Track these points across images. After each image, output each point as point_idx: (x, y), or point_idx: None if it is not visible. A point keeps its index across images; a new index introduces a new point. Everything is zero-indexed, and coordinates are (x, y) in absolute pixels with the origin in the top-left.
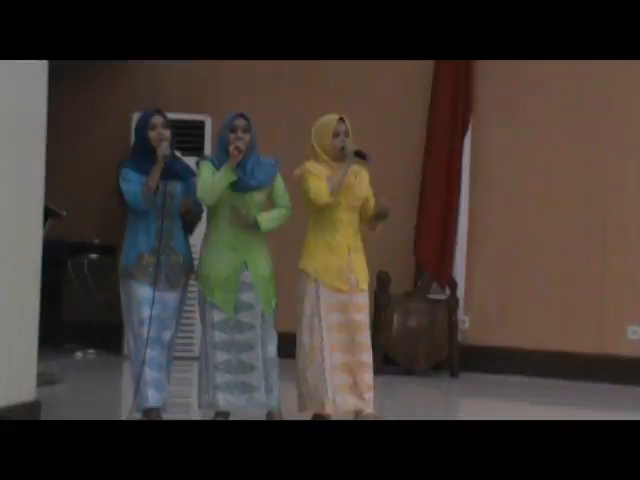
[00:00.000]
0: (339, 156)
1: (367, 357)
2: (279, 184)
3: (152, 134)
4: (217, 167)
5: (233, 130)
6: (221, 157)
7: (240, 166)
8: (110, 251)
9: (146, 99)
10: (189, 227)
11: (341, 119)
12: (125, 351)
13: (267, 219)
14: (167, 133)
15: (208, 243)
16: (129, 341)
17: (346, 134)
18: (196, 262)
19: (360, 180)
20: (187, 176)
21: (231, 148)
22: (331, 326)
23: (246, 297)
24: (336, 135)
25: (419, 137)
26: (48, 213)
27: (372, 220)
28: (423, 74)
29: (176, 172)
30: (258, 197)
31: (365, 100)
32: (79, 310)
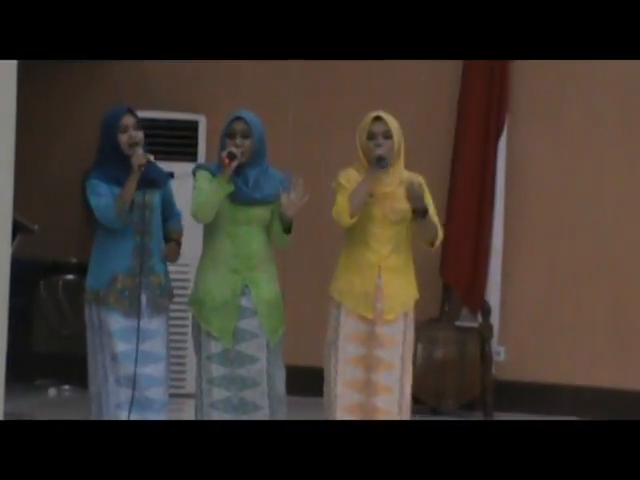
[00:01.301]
0: (376, 168)
1: (383, 402)
2: None
3: (123, 137)
4: (216, 177)
5: (231, 136)
6: (221, 166)
7: (240, 175)
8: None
9: (129, 96)
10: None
11: (378, 118)
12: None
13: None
14: (140, 135)
15: (203, 263)
16: (94, 384)
17: (385, 136)
18: (180, 284)
19: (404, 191)
20: (163, 182)
21: (223, 154)
22: (348, 360)
23: (248, 325)
24: (371, 137)
25: (446, 141)
26: (17, 228)
27: (414, 221)
28: (451, 71)
29: (151, 179)
30: (261, 213)
31: (384, 100)
32: (52, 340)
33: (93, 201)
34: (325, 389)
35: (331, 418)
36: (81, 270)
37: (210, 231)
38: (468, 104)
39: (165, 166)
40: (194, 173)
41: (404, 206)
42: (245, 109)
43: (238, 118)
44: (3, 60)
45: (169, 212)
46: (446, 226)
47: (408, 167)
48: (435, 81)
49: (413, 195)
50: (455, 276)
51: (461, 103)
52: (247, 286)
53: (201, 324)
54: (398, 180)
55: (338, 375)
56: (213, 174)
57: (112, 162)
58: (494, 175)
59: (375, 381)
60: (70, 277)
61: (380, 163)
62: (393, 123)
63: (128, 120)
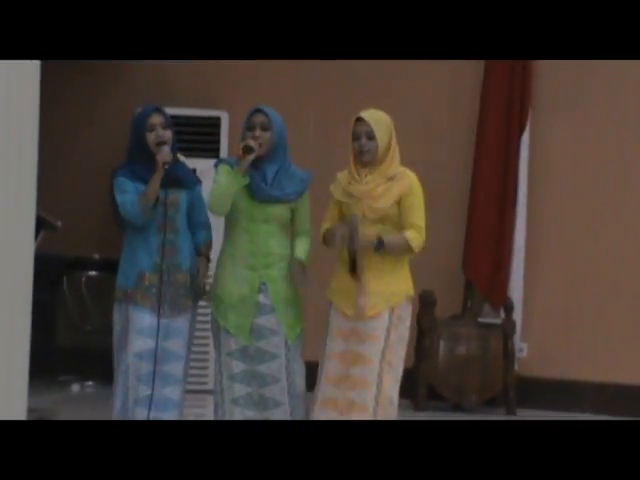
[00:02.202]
0: (360, 162)
1: (358, 396)
2: (304, 204)
3: (150, 136)
4: None
5: (250, 128)
6: (239, 159)
7: (259, 170)
8: (111, 267)
9: (152, 93)
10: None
11: (359, 118)
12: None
13: (305, 254)
14: (168, 134)
15: (222, 259)
16: (119, 380)
17: (368, 136)
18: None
19: (387, 189)
20: (191, 184)
21: (241, 146)
22: (331, 355)
23: (266, 322)
24: (355, 138)
25: (468, 138)
26: (41, 224)
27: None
28: (472, 68)
29: (179, 178)
30: (280, 211)
31: (406, 98)
32: (76, 336)
33: (119, 198)
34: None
35: (312, 412)
36: (104, 266)
37: (229, 228)
38: (490, 101)
39: (188, 162)
40: (216, 166)
41: (383, 204)
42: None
43: (258, 110)
44: (27, 60)
45: (196, 217)
46: (468, 223)
47: (430, 165)
48: (456, 79)
49: (347, 242)
50: (477, 272)
51: (483, 100)
52: (264, 283)
53: (219, 320)
54: (384, 178)
55: (322, 370)
56: (233, 167)
57: (139, 160)
58: (517, 171)
59: (352, 375)
60: (93, 273)
61: (360, 156)
62: (379, 122)
63: (156, 119)
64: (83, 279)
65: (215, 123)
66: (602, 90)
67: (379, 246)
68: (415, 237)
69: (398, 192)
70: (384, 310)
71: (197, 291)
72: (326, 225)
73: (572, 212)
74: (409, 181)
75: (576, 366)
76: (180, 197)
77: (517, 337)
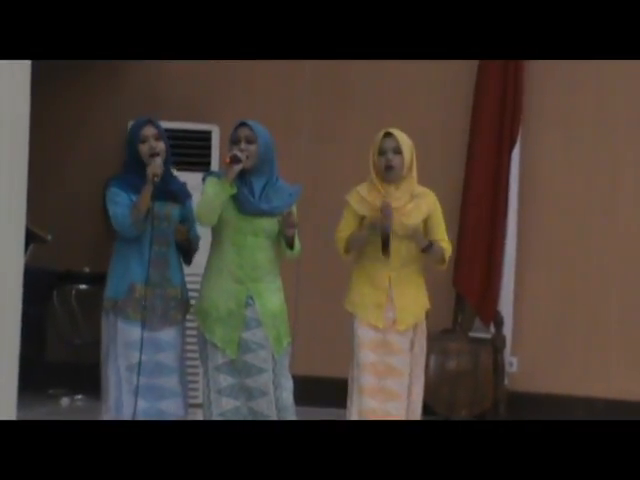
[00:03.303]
0: (386, 177)
1: (395, 408)
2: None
3: (143, 148)
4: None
5: (235, 141)
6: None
7: (247, 184)
8: (102, 281)
9: (144, 106)
10: (186, 256)
11: (388, 134)
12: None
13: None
14: (161, 146)
15: (209, 272)
16: (108, 392)
17: (395, 151)
18: (194, 295)
19: (416, 206)
20: (184, 198)
21: (228, 156)
22: (364, 365)
23: (253, 336)
24: (382, 153)
25: (459, 152)
26: (31, 237)
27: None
28: (464, 83)
29: (173, 192)
30: (268, 225)
31: (397, 113)
32: (65, 349)
33: (111, 209)
34: (348, 400)
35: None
36: (94, 280)
37: (216, 241)
38: (481, 116)
39: (179, 176)
40: (204, 180)
41: (414, 221)
42: (254, 119)
43: (242, 124)
44: (17, 67)
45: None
46: (459, 237)
47: (420, 177)
48: (447, 94)
49: (415, 237)
50: (468, 287)
51: (474, 115)
52: (251, 297)
53: (205, 334)
54: (409, 195)
55: (354, 381)
56: (220, 179)
57: (133, 171)
58: (507, 186)
59: (386, 387)
60: (83, 287)
61: (385, 240)
62: (404, 139)
63: (148, 131)
64: (73, 292)
65: (206, 137)
66: (592, 105)
67: (428, 247)
68: (448, 250)
69: (426, 209)
70: (411, 325)
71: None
72: (343, 234)
73: (562, 226)
74: (433, 198)
75: (567, 381)
76: (173, 211)
77: (507, 352)
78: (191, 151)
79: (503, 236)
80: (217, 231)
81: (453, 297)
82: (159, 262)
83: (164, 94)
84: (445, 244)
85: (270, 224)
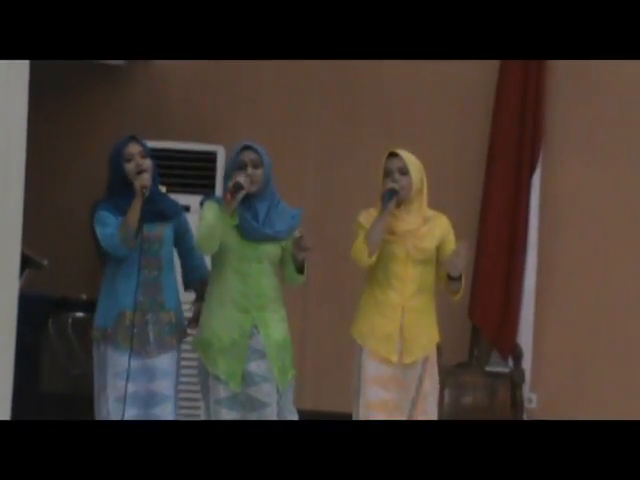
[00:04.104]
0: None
1: None
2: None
3: (129, 166)
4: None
5: (241, 166)
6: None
7: (250, 209)
8: None
9: (145, 127)
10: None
11: (393, 154)
12: None
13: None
14: (147, 163)
15: (210, 300)
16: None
17: (401, 172)
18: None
19: (430, 229)
20: (175, 213)
21: (229, 185)
22: (370, 404)
23: (257, 368)
24: (387, 174)
25: (476, 177)
26: (26, 262)
27: (446, 280)
28: (482, 102)
29: (162, 212)
30: (272, 250)
31: (410, 137)
32: (62, 380)
33: (99, 231)
34: None
35: None
36: (92, 307)
37: (218, 268)
38: (499, 139)
39: (182, 199)
40: (201, 204)
41: (428, 245)
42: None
43: (246, 147)
44: (15, 96)
45: (187, 243)
46: (476, 264)
47: (436, 203)
48: (463, 114)
49: (453, 264)
50: (485, 318)
51: (492, 135)
52: (256, 327)
53: (207, 367)
54: (422, 218)
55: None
56: (220, 204)
57: (120, 192)
58: (527, 212)
59: None
60: (80, 314)
61: (389, 195)
62: (411, 159)
63: (133, 148)
64: (70, 320)
65: (211, 158)
66: (617, 126)
67: (460, 276)
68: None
69: (440, 233)
70: (419, 358)
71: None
72: (360, 245)
73: (586, 255)
74: (446, 221)
75: (588, 417)
76: (164, 231)
77: (526, 387)
78: (195, 172)
79: (522, 265)
80: (218, 258)
81: (469, 328)
82: (150, 286)
83: (167, 113)
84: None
85: (274, 249)
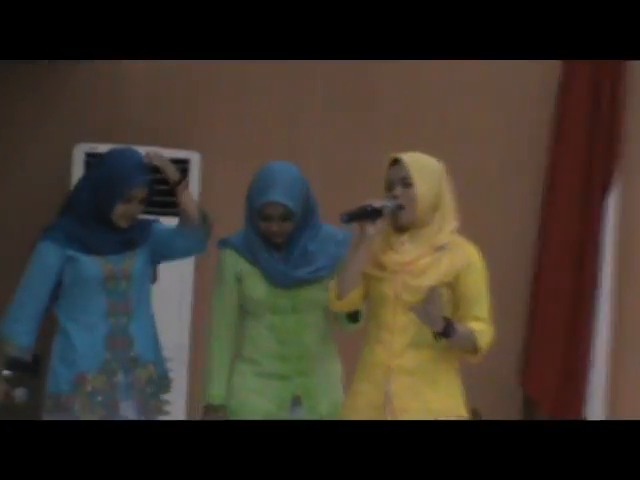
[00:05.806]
0: (396, 223)
1: None
2: None
3: (121, 208)
4: (245, 257)
5: (266, 218)
6: (251, 239)
7: (282, 251)
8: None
9: (111, 129)
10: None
11: (395, 160)
12: None
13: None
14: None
15: (240, 365)
16: None
17: (404, 183)
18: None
19: (435, 261)
20: (146, 237)
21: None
22: None
23: None
24: (389, 186)
25: (531, 198)
26: None
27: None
28: (542, 107)
29: (128, 239)
30: (314, 294)
31: (441, 132)
32: None
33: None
34: None
35: None
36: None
37: (249, 323)
38: (562, 155)
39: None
40: (220, 248)
41: (425, 282)
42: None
43: (272, 202)
44: None
45: (168, 235)
46: (530, 319)
47: (474, 232)
48: (515, 126)
49: (424, 312)
50: (541, 388)
51: (553, 154)
52: (299, 396)
53: None
54: (429, 248)
55: None
56: (242, 254)
57: (80, 218)
58: (598, 249)
59: None
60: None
61: (343, 217)
62: (418, 165)
63: (141, 193)
64: None
65: (183, 167)
66: None
67: (447, 331)
68: (484, 332)
69: (450, 268)
70: None
71: None
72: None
73: None
74: (467, 253)
75: None
76: (133, 265)
77: None
78: (165, 186)
79: (591, 318)
80: (247, 311)
81: (520, 400)
82: (119, 339)
83: (129, 112)
84: (482, 325)
85: (316, 293)
